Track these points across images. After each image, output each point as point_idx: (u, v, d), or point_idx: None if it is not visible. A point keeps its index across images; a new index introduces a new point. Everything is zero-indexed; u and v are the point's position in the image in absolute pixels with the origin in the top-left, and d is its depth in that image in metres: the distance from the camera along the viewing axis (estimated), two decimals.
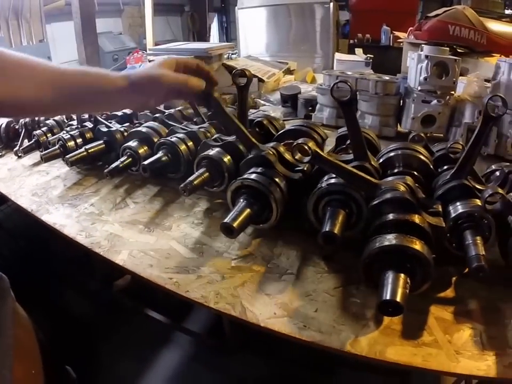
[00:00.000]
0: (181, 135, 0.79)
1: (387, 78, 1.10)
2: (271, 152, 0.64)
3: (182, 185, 0.66)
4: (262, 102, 1.30)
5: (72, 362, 1.00)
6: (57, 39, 3.61)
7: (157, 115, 0.93)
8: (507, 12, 2.67)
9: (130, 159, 0.80)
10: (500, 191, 0.52)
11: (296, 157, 0.55)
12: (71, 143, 0.89)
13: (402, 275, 0.45)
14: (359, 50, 1.90)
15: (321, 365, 1.10)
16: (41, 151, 0.93)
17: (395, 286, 0.44)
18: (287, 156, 0.65)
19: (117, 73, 0.59)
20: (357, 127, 0.61)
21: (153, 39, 2.18)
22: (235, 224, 0.54)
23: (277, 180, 0.60)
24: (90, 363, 1.16)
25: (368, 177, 0.56)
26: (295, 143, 0.55)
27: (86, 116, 0.96)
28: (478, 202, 0.54)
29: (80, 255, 0.66)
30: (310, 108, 1.18)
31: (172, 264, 0.60)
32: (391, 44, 2.24)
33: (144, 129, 0.83)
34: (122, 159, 0.80)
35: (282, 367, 1.14)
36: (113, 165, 0.78)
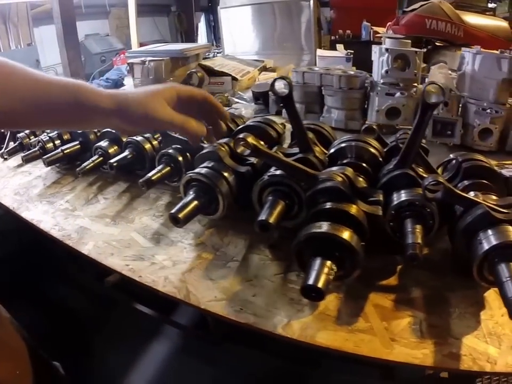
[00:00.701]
0: (146, 134, 0.84)
1: (352, 72, 1.13)
2: (222, 148, 0.69)
3: (140, 180, 0.71)
4: (236, 100, 1.35)
5: (64, 356, 1.04)
6: (45, 42, 3.65)
7: None
8: (490, 5, 2.66)
9: (101, 158, 0.86)
10: (441, 179, 0.52)
11: (239, 151, 0.59)
12: (50, 145, 0.94)
13: (328, 262, 0.47)
14: (340, 46, 1.92)
15: (307, 357, 1.12)
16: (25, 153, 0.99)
17: (319, 272, 0.45)
18: None
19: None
20: (298, 120, 0.65)
21: (137, 40, 2.23)
22: (181, 215, 0.59)
23: (224, 173, 0.65)
24: (82, 356, 1.22)
25: (307, 168, 0.60)
26: (235, 138, 0.59)
27: None
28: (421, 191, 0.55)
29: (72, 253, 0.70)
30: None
31: (130, 253, 0.66)
32: (371, 39, 2.26)
33: (113, 130, 0.89)
34: (93, 158, 0.85)
35: (267, 359, 1.17)
36: (85, 164, 0.84)
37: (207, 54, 1.95)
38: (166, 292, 0.57)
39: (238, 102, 1.33)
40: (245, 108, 1.24)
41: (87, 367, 1.18)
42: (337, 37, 2.38)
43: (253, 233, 0.66)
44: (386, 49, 1.03)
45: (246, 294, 0.55)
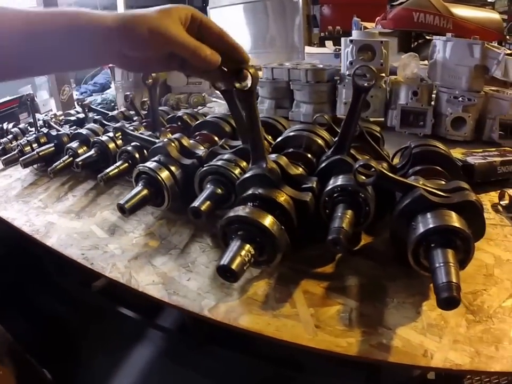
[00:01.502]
0: (111, 134, 0.89)
1: (320, 66, 1.15)
2: (171, 143, 0.73)
3: (99, 176, 0.75)
4: (213, 99, 1.38)
5: (49, 362, 1.03)
6: None
7: (97, 117, 1.03)
8: None
9: (71, 158, 0.91)
10: (372, 163, 0.51)
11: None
12: (28, 148, 1.00)
13: (246, 245, 0.47)
14: (329, 43, 1.93)
15: (292, 360, 1.11)
16: None
17: (235, 254, 0.46)
18: (186, 143, 0.73)
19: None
20: (237, 111, 0.68)
21: None
22: (127, 205, 0.64)
23: (171, 166, 0.69)
24: (67, 361, 1.23)
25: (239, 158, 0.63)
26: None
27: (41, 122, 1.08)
28: None
29: (60, 259, 0.72)
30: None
31: (87, 243, 0.70)
32: None
33: (84, 131, 0.94)
34: (64, 159, 0.91)
35: (251, 362, 1.16)
36: (55, 164, 0.89)
37: None
38: (111, 277, 0.61)
39: (213, 101, 1.36)
40: (218, 106, 1.28)
41: (73, 372, 1.20)
42: (326, 33, 2.38)
43: (199, 223, 0.69)
44: (351, 40, 1.04)
45: (181, 278, 0.58)
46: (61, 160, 0.91)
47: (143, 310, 1.31)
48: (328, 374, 1.06)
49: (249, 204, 0.53)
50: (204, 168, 0.65)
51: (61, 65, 0.52)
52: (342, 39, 1.07)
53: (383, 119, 1.16)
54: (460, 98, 1.01)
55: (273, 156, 0.63)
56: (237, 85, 0.48)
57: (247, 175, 0.58)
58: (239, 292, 0.54)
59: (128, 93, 1.06)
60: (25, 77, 0.59)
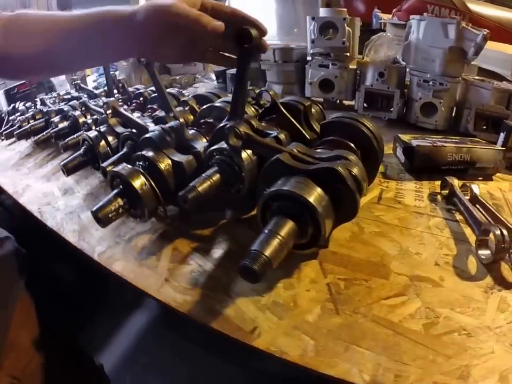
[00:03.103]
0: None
1: (292, 46, 1.16)
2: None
3: (60, 144, 0.87)
4: (204, 80, 1.46)
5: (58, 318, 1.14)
6: None
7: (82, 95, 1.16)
8: None
9: (52, 131, 1.04)
10: (241, 127, 0.52)
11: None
12: (25, 124, 1.17)
13: (119, 199, 0.54)
14: (373, 38, 1.91)
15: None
16: None
17: (105, 204, 0.53)
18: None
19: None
20: (160, 87, 0.75)
21: None
22: (65, 167, 0.74)
23: (108, 137, 0.77)
24: (70, 325, 1.27)
25: (141, 122, 0.69)
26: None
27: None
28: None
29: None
30: (220, 80, 1.31)
31: (45, 201, 0.82)
32: (381, 27, 2.14)
33: (65, 107, 1.07)
34: (46, 131, 1.05)
35: None
36: (39, 136, 1.04)
37: None
38: (50, 226, 0.72)
39: (202, 82, 1.44)
40: (204, 86, 1.35)
41: (78, 330, 1.25)
42: None
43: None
44: (313, 18, 1.04)
45: (92, 228, 0.66)
46: (44, 133, 1.04)
47: None
48: None
49: (137, 163, 0.60)
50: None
51: (99, 60, 0.63)
52: (307, 17, 1.07)
53: (351, 101, 1.14)
54: (431, 82, 0.96)
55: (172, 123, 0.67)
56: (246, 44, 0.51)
57: (148, 135, 0.64)
58: (126, 242, 0.60)
59: (120, 78, 1.18)
60: (67, 73, 0.72)
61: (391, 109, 1.01)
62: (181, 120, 0.74)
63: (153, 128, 0.66)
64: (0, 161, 1.15)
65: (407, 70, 1.04)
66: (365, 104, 1.05)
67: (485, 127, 0.93)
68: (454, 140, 0.80)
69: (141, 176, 0.56)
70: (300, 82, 1.17)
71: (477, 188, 0.64)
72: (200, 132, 0.68)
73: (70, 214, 0.74)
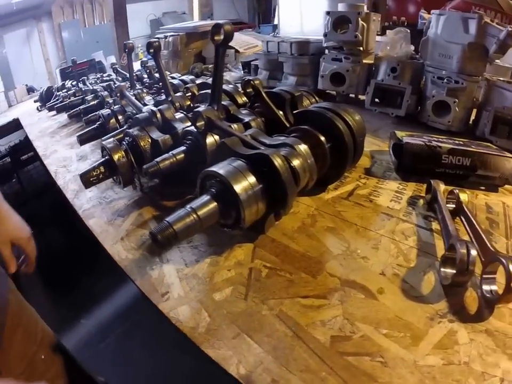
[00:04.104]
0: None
1: (310, 39, 1.17)
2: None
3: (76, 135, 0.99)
4: (233, 69, 1.53)
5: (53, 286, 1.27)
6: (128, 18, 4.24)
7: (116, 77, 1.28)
8: None
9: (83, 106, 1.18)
10: (207, 113, 0.58)
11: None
12: (66, 99, 1.32)
13: (101, 167, 0.63)
14: (390, 32, 1.86)
15: None
16: None
17: (89, 169, 0.64)
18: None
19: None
20: (163, 74, 0.82)
21: (199, 17, 2.52)
22: (81, 138, 0.85)
23: (119, 115, 0.87)
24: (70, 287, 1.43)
25: (138, 104, 0.78)
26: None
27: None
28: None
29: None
30: (245, 70, 1.35)
31: (63, 164, 0.95)
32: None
33: (98, 88, 1.20)
34: (80, 107, 1.18)
35: None
36: (73, 110, 1.18)
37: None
38: (59, 184, 0.84)
39: (230, 71, 1.52)
40: (229, 75, 1.42)
41: (81, 286, 1.41)
42: (390, 23, 2.23)
43: None
44: (327, 12, 1.04)
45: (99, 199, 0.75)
46: (77, 108, 1.18)
47: None
48: None
49: (125, 138, 0.68)
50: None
51: None
52: (323, 14, 1.07)
53: (359, 95, 1.12)
54: (445, 80, 0.88)
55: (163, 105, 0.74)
56: (216, 38, 0.58)
57: (137, 115, 0.72)
58: (106, 204, 0.71)
59: (148, 65, 1.28)
60: None
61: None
62: (177, 104, 0.82)
63: (145, 109, 0.74)
64: (41, 129, 1.32)
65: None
66: (377, 100, 1.03)
67: (507, 133, 0.82)
68: (456, 142, 0.71)
69: (121, 150, 0.64)
70: (314, 74, 1.17)
71: (466, 196, 0.55)
72: (187, 116, 0.75)
73: (76, 176, 0.85)
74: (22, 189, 1.80)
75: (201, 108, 0.61)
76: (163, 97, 0.87)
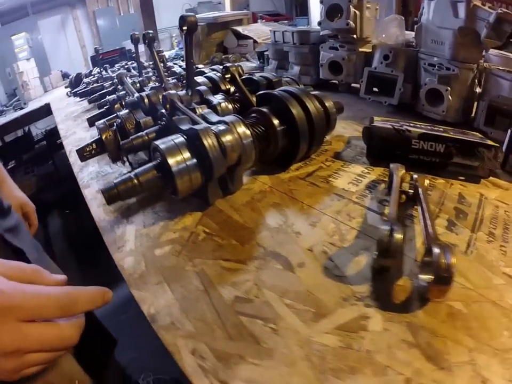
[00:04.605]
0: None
1: (310, 29, 1.18)
2: None
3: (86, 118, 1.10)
4: (251, 59, 1.60)
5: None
6: (161, 7, 4.22)
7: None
8: None
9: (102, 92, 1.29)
10: (173, 96, 0.61)
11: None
12: (90, 85, 1.45)
13: (94, 144, 0.72)
14: (384, 20, 1.83)
15: None
16: None
17: (83, 146, 0.72)
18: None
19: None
20: (157, 62, 0.90)
21: (230, 7, 2.58)
22: (90, 120, 0.96)
23: (123, 100, 0.97)
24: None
25: (132, 89, 0.86)
26: None
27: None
28: None
29: None
30: (261, 61, 1.39)
31: (79, 144, 1.07)
32: None
33: (114, 74, 1.31)
34: (99, 92, 1.30)
35: None
36: (93, 96, 1.30)
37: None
38: (71, 161, 0.95)
39: (247, 60, 1.59)
40: (244, 66, 1.49)
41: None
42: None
43: None
44: (321, 1, 1.04)
45: (97, 173, 0.86)
46: (96, 94, 1.30)
47: None
48: None
49: (116, 120, 0.77)
50: None
51: None
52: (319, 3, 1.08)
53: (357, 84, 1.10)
54: (437, 67, 0.86)
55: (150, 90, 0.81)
56: (183, 28, 0.64)
57: (127, 100, 0.81)
58: (101, 177, 0.80)
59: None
60: None
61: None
62: (171, 91, 0.89)
63: (136, 95, 0.82)
64: (67, 113, 1.47)
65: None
66: (375, 89, 1.03)
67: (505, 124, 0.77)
68: (435, 128, 0.68)
69: (109, 130, 0.73)
70: (316, 64, 1.18)
71: (426, 182, 0.55)
72: None
73: None
74: (56, 170, 2.01)
75: (171, 92, 0.68)
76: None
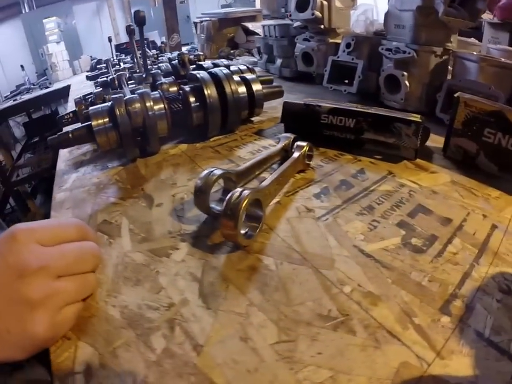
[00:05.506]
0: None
1: (290, 22, 1.24)
2: None
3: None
4: (255, 54, 1.69)
5: None
6: (198, 1, 4.44)
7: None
8: None
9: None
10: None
11: None
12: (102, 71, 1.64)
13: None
14: (356, 10, 1.83)
15: None
16: None
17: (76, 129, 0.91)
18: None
19: None
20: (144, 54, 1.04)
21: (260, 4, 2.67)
22: None
23: None
24: None
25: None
26: None
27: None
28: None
29: None
30: (260, 55, 1.48)
31: None
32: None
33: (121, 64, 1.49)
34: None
35: None
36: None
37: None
38: None
39: (253, 55, 1.70)
40: (242, 60, 1.60)
41: None
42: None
43: None
44: None
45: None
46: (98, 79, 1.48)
47: None
48: None
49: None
50: None
51: None
52: None
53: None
54: (393, 51, 0.81)
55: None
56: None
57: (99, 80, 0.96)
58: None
59: (180, 52, 1.51)
60: None
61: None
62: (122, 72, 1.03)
63: (111, 77, 0.97)
64: (80, 94, 1.67)
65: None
66: (346, 81, 1.00)
67: None
68: (350, 105, 0.66)
69: (83, 103, 0.89)
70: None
71: (305, 149, 0.55)
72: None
73: None
74: None
75: (121, 72, 0.83)
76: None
